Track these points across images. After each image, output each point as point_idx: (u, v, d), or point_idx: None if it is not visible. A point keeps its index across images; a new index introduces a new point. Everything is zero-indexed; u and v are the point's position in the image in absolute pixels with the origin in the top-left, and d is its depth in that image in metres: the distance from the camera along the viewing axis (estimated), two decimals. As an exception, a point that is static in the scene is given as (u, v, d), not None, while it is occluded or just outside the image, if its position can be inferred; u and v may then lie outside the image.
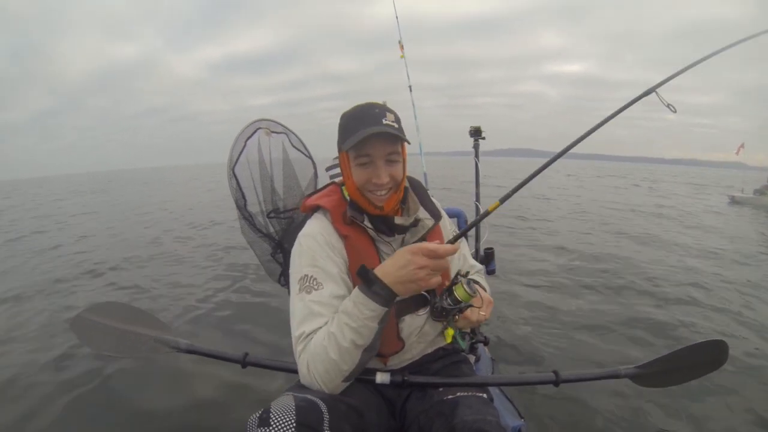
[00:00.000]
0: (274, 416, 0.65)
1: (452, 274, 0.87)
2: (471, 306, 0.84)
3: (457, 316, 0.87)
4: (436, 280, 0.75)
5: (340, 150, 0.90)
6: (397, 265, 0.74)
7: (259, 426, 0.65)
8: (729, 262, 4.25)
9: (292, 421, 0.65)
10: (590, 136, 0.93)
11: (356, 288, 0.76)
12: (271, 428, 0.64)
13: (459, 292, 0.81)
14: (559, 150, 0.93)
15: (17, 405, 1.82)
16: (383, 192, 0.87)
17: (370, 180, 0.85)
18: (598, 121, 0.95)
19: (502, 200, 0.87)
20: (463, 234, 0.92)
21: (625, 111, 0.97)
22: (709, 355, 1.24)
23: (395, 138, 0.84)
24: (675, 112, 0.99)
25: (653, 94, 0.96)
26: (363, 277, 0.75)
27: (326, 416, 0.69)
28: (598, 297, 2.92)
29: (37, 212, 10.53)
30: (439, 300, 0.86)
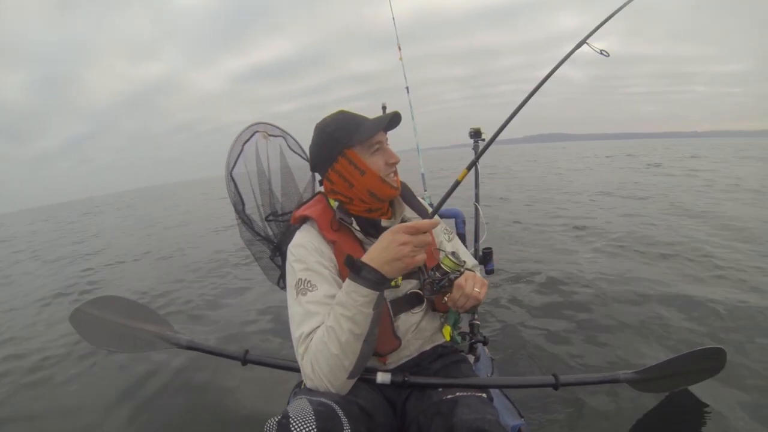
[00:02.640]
0: (294, 422, 0.65)
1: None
2: (459, 272, 0.88)
3: (447, 293, 0.90)
4: (421, 256, 0.77)
5: (336, 156, 0.90)
6: (380, 246, 0.76)
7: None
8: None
9: (313, 427, 0.65)
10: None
11: (347, 278, 0.78)
12: None
13: (446, 262, 0.87)
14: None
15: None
16: (393, 173, 0.94)
17: (388, 162, 0.92)
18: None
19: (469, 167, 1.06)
20: (439, 206, 1.01)
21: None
22: (707, 362, 1.23)
23: (395, 123, 0.95)
24: (608, 56, 1.06)
25: (585, 45, 1.05)
26: (350, 265, 0.77)
27: (344, 420, 0.70)
28: (604, 294, 2.81)
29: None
30: (429, 275, 0.90)
